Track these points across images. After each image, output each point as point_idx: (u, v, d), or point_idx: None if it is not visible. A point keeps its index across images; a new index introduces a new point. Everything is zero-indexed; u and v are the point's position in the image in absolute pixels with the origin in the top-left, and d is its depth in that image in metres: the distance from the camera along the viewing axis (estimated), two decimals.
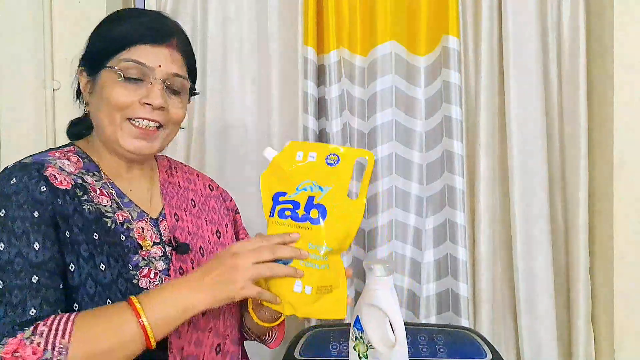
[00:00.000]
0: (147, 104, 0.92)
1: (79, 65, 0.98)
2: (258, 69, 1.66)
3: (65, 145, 1.00)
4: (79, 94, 1.01)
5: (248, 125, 1.66)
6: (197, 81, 1.61)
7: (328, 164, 0.89)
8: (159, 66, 0.93)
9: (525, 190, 1.56)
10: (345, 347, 1.22)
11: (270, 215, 0.91)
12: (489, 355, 1.25)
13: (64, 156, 0.96)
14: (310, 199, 0.87)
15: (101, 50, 0.94)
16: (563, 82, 1.59)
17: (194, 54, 1.04)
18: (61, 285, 0.85)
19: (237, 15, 1.66)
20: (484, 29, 1.55)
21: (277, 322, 1.03)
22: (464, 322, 1.53)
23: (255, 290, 0.85)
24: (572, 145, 1.56)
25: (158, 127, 0.95)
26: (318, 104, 1.61)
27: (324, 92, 1.61)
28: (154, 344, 0.81)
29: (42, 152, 0.96)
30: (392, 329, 0.97)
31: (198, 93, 1.07)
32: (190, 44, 1.03)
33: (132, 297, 0.82)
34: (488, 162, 1.57)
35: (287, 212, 0.89)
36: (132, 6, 1.69)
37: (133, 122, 0.93)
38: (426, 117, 1.62)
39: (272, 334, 1.14)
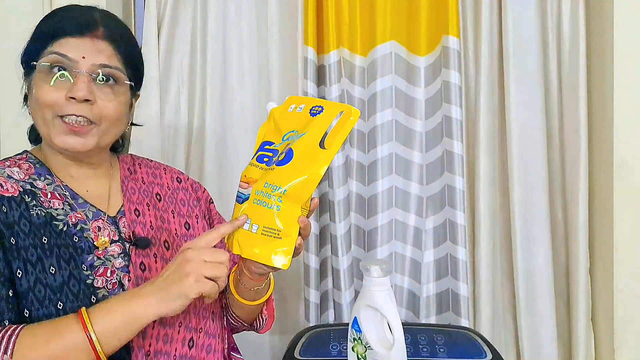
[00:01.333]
0: (72, 97, 0.90)
1: (23, 69, 0.98)
2: (258, 69, 1.66)
3: (19, 154, 1.00)
4: (27, 98, 0.99)
5: (248, 125, 1.66)
6: (196, 81, 1.64)
7: (311, 114, 0.90)
8: (83, 57, 0.91)
9: (525, 190, 1.57)
10: (345, 347, 1.22)
11: (251, 158, 0.93)
12: (489, 355, 1.25)
13: (15, 164, 0.96)
14: (289, 146, 0.88)
15: (32, 49, 0.94)
16: (563, 82, 1.59)
17: (133, 46, 1.00)
18: (10, 293, 0.84)
19: (237, 15, 1.66)
20: (484, 29, 1.55)
21: (261, 300, 1.02)
22: (464, 322, 1.53)
23: (209, 284, 0.83)
24: (572, 145, 1.56)
25: (90, 123, 0.92)
26: None
27: (324, 92, 1.61)
28: (102, 356, 0.80)
29: None
30: (390, 330, 0.97)
31: (138, 94, 1.05)
32: (126, 34, 0.99)
33: (82, 308, 0.81)
34: (488, 162, 1.57)
35: (266, 159, 0.90)
36: (133, 6, 1.69)
37: (63, 119, 0.91)
38: (426, 117, 1.62)
39: (262, 319, 1.12)
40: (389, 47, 1.62)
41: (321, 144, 0.87)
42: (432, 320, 1.60)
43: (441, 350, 1.27)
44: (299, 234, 0.89)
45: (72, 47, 0.91)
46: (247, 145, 1.65)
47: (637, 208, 1.46)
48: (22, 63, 0.97)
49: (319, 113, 0.89)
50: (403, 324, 0.98)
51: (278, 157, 0.88)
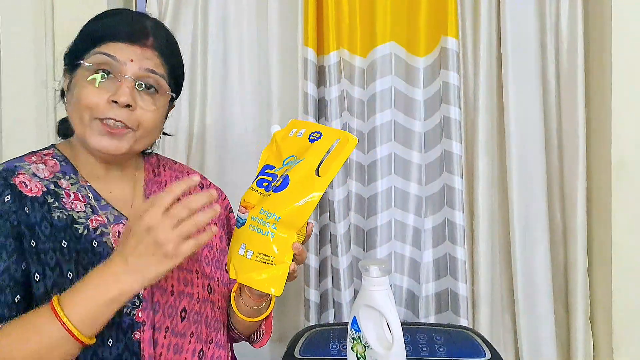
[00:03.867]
0: (114, 101, 0.89)
1: (64, 65, 0.97)
2: (258, 70, 1.67)
3: (46, 148, 0.99)
4: (64, 94, 0.99)
5: (248, 126, 1.66)
6: (196, 81, 1.64)
7: (310, 140, 0.90)
8: (131, 61, 0.91)
9: (524, 190, 1.57)
10: (345, 347, 1.22)
11: (252, 181, 0.93)
12: (488, 355, 1.25)
13: (40, 160, 0.95)
14: (287, 172, 0.89)
15: (78, 47, 0.94)
16: (561, 83, 1.59)
17: (179, 58, 1.01)
18: (16, 300, 0.83)
19: (237, 16, 1.66)
20: (482, 30, 1.56)
21: (260, 318, 1.02)
22: (463, 322, 1.54)
23: (188, 246, 0.77)
24: (571, 146, 1.56)
25: (126, 128, 0.91)
26: (318, 104, 1.62)
27: (323, 93, 1.61)
28: (87, 340, 0.77)
29: (19, 156, 0.95)
30: (389, 329, 0.97)
31: (174, 105, 1.05)
32: (173, 47, 1.00)
33: (54, 298, 0.78)
34: (487, 162, 1.58)
35: (265, 183, 0.91)
36: (134, 6, 1.70)
37: (102, 120, 0.90)
38: (425, 118, 1.62)
39: (259, 334, 1.13)
40: (388, 48, 1.62)
41: (317, 172, 0.87)
42: (431, 319, 1.60)
43: (440, 349, 1.27)
44: (294, 259, 0.89)
45: (120, 50, 0.91)
46: (247, 146, 1.66)
47: (635, 208, 1.47)
48: (64, 59, 0.97)
49: (317, 139, 0.90)
50: (402, 324, 0.98)
51: (276, 182, 0.89)
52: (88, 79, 0.90)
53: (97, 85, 0.90)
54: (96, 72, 0.90)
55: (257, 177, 0.93)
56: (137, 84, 0.92)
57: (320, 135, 0.90)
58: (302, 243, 0.91)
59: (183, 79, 1.04)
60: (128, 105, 0.90)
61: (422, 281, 1.61)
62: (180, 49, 1.62)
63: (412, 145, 1.63)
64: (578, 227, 1.54)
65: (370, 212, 1.63)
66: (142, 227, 0.77)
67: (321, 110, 1.63)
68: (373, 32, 1.62)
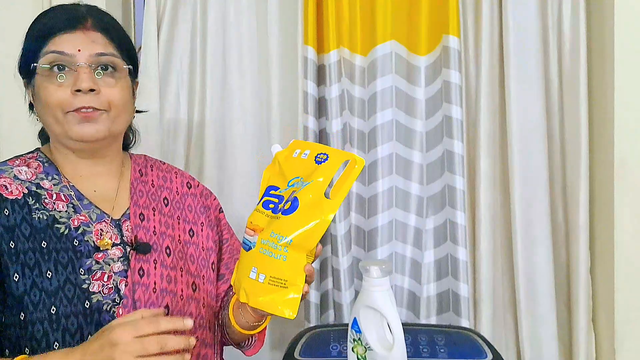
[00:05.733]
0: (77, 90, 0.91)
1: (22, 79, 0.99)
2: (258, 68, 1.66)
3: (30, 152, 1.01)
4: (32, 106, 1.00)
5: (248, 126, 1.65)
6: (196, 81, 1.64)
7: (316, 162, 0.90)
8: (79, 50, 0.92)
9: (526, 190, 1.56)
10: (345, 348, 1.22)
11: (257, 204, 0.93)
12: (490, 356, 1.25)
13: (24, 163, 0.97)
14: (294, 194, 0.89)
15: (27, 55, 0.95)
16: (563, 82, 1.58)
17: (122, 33, 1.01)
18: None
19: (236, 14, 1.65)
20: (484, 28, 1.55)
21: (256, 331, 1.02)
22: (464, 323, 1.53)
23: None
24: (573, 145, 1.56)
25: (98, 110, 0.93)
26: (318, 103, 1.61)
27: (324, 92, 1.60)
28: None
29: (3, 160, 0.97)
30: (390, 330, 0.97)
31: (137, 82, 1.06)
32: (114, 23, 1.00)
33: None
34: (488, 162, 1.57)
35: (271, 205, 0.90)
36: (132, 6, 1.69)
37: (74, 112, 0.92)
38: (426, 117, 1.62)
39: (251, 340, 1.12)
40: (389, 46, 1.62)
41: (326, 194, 0.87)
42: (433, 320, 1.60)
43: (441, 350, 1.27)
44: (305, 280, 0.89)
45: (66, 43, 0.93)
46: (247, 145, 1.65)
47: (638, 207, 1.46)
48: (20, 72, 0.98)
49: (324, 161, 0.90)
50: (403, 325, 0.97)
51: (284, 204, 0.89)
52: (47, 80, 0.92)
53: (57, 80, 0.92)
54: (51, 70, 0.92)
55: (261, 199, 0.93)
56: (93, 70, 0.93)
57: (327, 157, 0.90)
58: (311, 263, 0.91)
59: (134, 50, 1.05)
60: (92, 90, 0.92)
61: (423, 282, 1.60)
62: (179, 48, 1.64)
63: (413, 145, 1.62)
64: (580, 226, 1.53)
65: (371, 213, 1.62)
66: (110, 338, 0.76)
67: (321, 109, 1.62)
68: (373, 30, 1.62)
